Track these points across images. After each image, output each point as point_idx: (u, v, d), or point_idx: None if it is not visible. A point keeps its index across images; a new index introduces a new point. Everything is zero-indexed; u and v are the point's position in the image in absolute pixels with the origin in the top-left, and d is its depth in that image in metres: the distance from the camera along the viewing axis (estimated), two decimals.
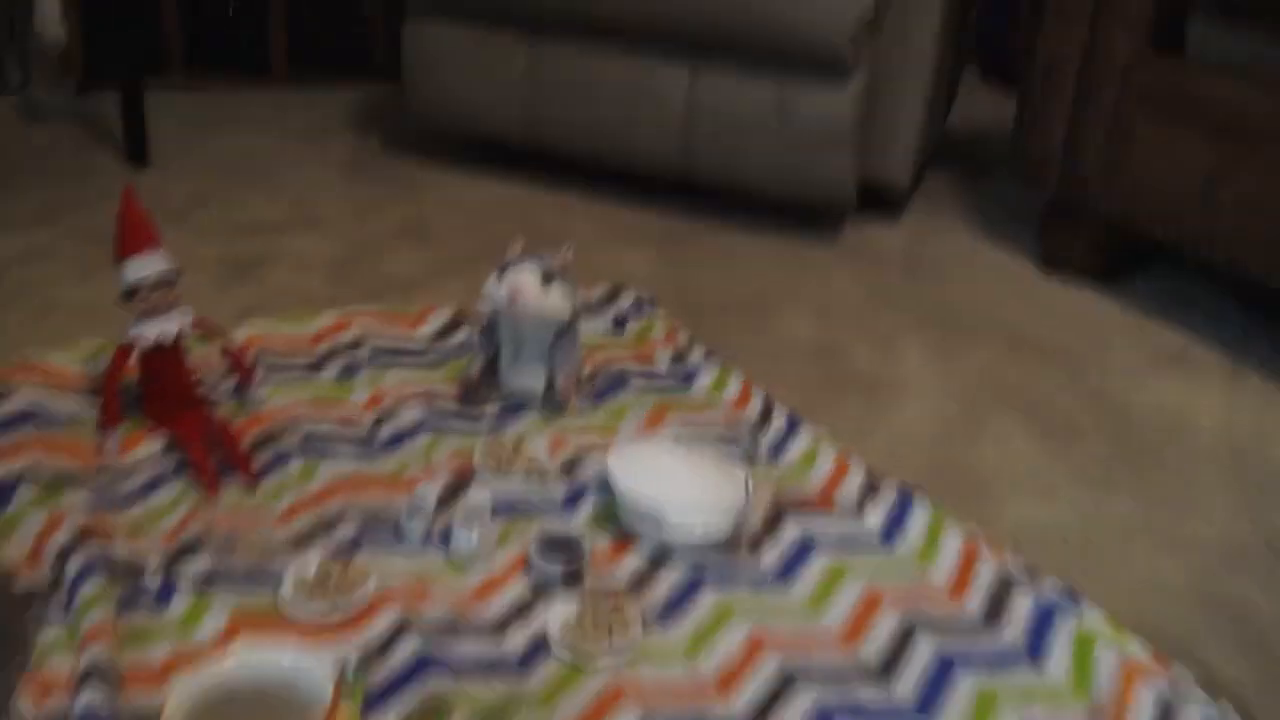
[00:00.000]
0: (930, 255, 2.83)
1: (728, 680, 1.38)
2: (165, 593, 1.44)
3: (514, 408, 1.97)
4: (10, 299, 2.27)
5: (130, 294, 1.72)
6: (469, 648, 1.40)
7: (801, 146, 2.72)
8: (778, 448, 1.90)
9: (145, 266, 1.72)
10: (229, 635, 1.38)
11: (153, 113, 3.06)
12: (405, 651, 1.38)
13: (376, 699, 1.31)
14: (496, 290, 1.87)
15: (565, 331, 1.93)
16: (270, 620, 1.41)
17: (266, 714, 1.06)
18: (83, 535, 1.50)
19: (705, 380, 2.10)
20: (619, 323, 2.32)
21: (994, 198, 3.25)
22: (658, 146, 2.87)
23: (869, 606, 1.53)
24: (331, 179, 3.07)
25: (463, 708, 1.30)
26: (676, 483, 1.63)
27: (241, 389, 1.90)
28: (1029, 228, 3.00)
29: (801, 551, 1.63)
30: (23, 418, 1.77)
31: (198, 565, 1.50)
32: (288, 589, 1.47)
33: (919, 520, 1.69)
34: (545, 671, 1.38)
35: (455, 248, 2.68)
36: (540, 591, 1.51)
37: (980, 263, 2.81)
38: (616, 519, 1.67)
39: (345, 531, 1.60)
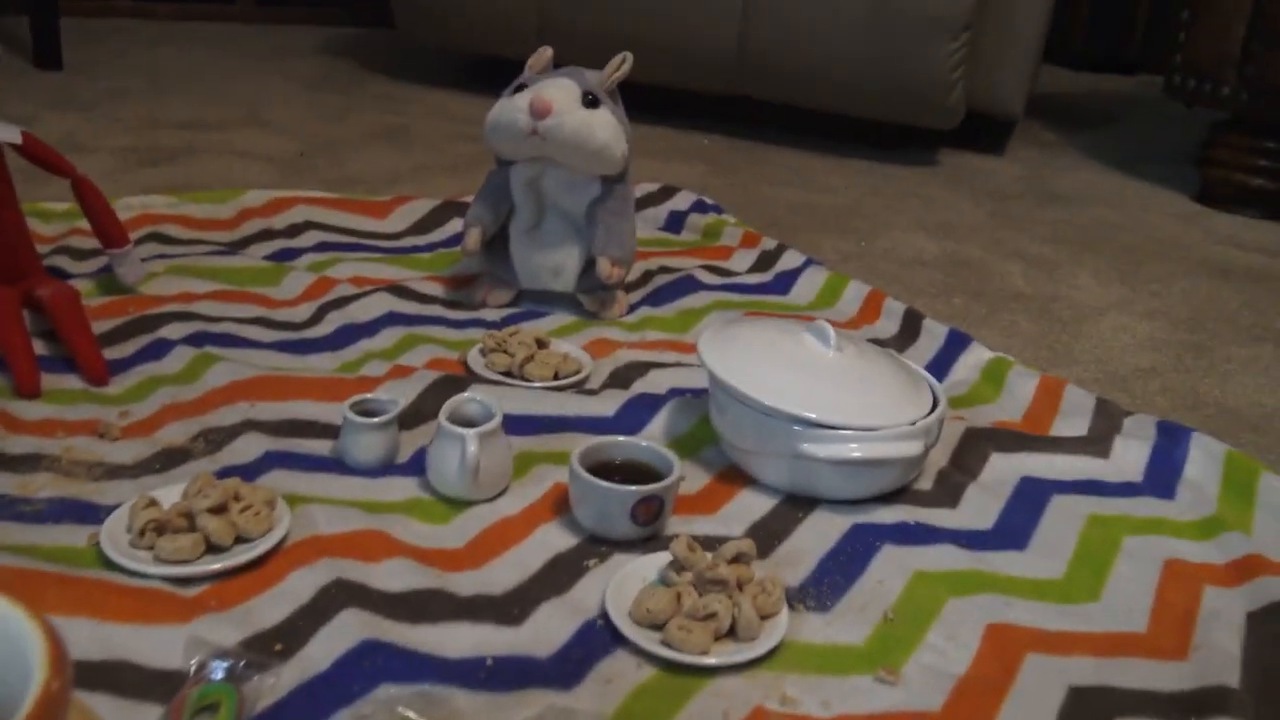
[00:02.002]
0: (1061, 185, 2.20)
1: (964, 709, 0.70)
2: None
3: (532, 309, 1.30)
4: None
5: None
6: (461, 637, 0.72)
7: (897, 41, 2.09)
8: (940, 366, 1.24)
9: None
10: None
11: (89, 33, 2.44)
12: (339, 639, 0.69)
13: (289, 712, 0.63)
14: (510, 109, 1.20)
15: (612, 187, 1.26)
16: (74, 584, 0.72)
17: None
18: None
19: (809, 286, 1.44)
20: (673, 224, 1.66)
21: (1106, 143, 2.63)
22: (707, 51, 2.23)
23: (1179, 583, 0.85)
24: (292, 90, 2.42)
25: None
26: (815, 381, 0.95)
27: (111, 261, 1.22)
28: (1170, 165, 2.38)
29: (1028, 495, 0.96)
30: None
31: None
32: (116, 529, 0.78)
33: (1202, 464, 1.02)
34: (609, 680, 0.69)
35: (443, 153, 2.02)
36: (594, 543, 0.83)
37: (1128, 193, 2.18)
38: (711, 445, 1.00)
39: (248, 448, 0.92)
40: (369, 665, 0.68)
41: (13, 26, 2.67)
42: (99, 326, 1.12)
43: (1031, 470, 1.00)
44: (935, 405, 0.96)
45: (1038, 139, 2.61)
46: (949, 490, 0.96)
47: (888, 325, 1.34)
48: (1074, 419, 1.11)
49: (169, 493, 0.82)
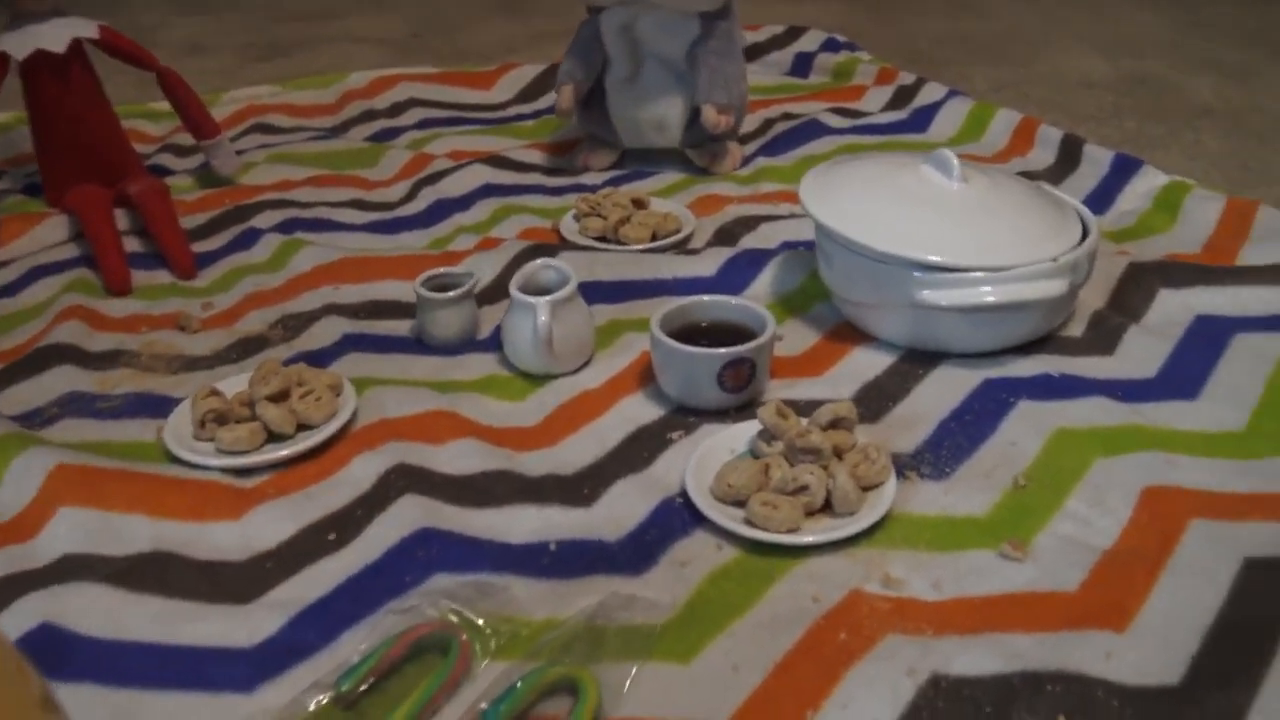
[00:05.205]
0: None
1: (1112, 595, 0.58)
2: None
3: (637, 169, 1.20)
4: None
5: None
6: (525, 520, 0.66)
7: None
8: (1104, 195, 1.07)
9: None
10: (42, 505, 0.67)
11: None
12: (391, 531, 0.64)
13: (336, 604, 0.58)
14: None
15: (713, 26, 1.13)
16: (133, 479, 0.69)
17: None
18: None
19: (951, 120, 1.27)
20: (800, 68, 1.51)
21: None
22: None
23: None
24: None
25: (501, 638, 0.56)
26: (938, 219, 0.82)
27: (204, 152, 1.19)
28: None
29: (1203, 335, 0.81)
30: None
31: (43, 391, 0.81)
32: (180, 421, 0.75)
33: None
34: (684, 564, 0.61)
35: (563, 18, 1.91)
36: (681, 414, 0.75)
37: None
38: (823, 302, 0.89)
39: (326, 332, 0.87)
40: (423, 554, 0.62)
41: None
42: (195, 220, 1.10)
43: (1209, 306, 0.85)
44: (1085, 237, 0.81)
45: None
46: (1104, 335, 0.82)
47: (1042, 155, 1.17)
48: (1268, 245, 0.93)
49: (239, 381, 0.79)
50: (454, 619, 0.57)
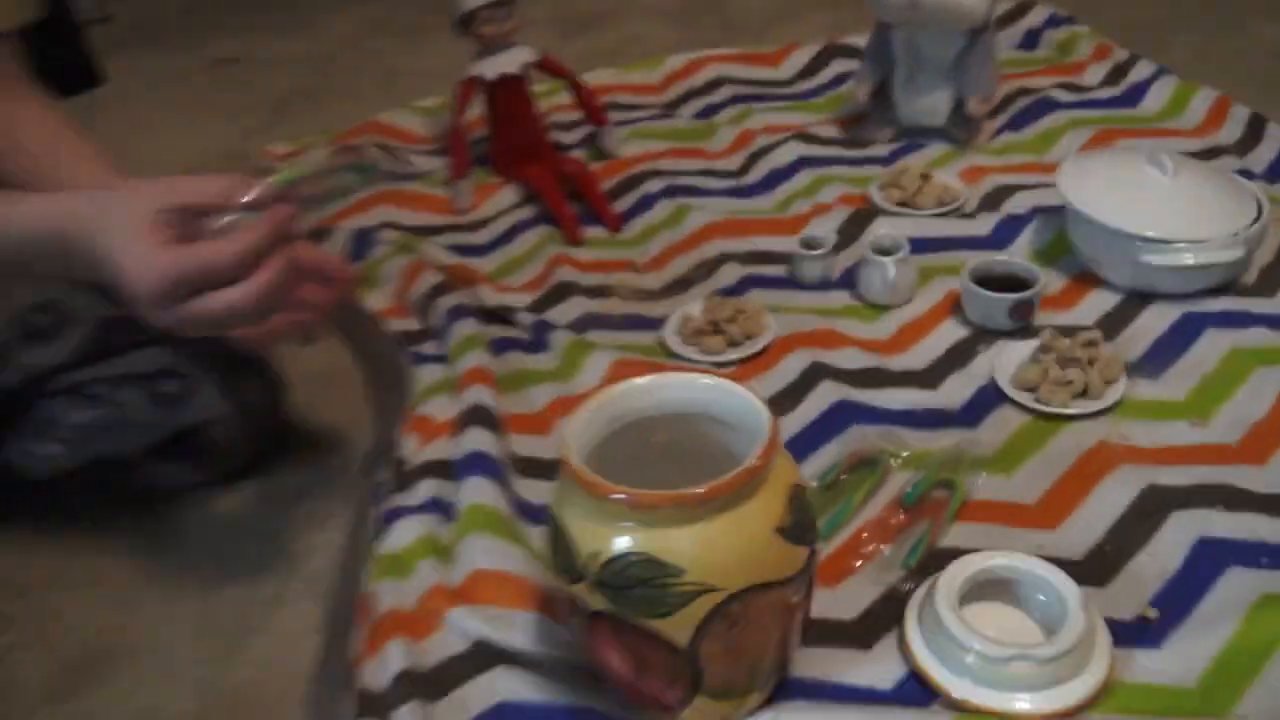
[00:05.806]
0: None
1: (1258, 446, 1.01)
2: (540, 337, 1.25)
3: (912, 142, 1.61)
4: (352, 71, 2.18)
5: (465, 22, 1.50)
6: (901, 397, 1.12)
7: None
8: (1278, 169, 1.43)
9: None
10: (612, 380, 1.17)
11: None
12: (822, 399, 1.12)
13: (799, 439, 1.06)
14: None
15: (977, 38, 1.52)
16: (655, 367, 1.19)
17: (686, 449, 0.82)
18: (447, 281, 1.35)
19: (1160, 96, 1.63)
20: (1029, 41, 1.87)
21: None
22: None
23: None
24: None
25: (904, 459, 1.02)
26: (1154, 203, 1.22)
27: (595, 135, 1.67)
28: None
29: None
30: None
31: (571, 310, 1.30)
32: (672, 331, 1.24)
33: None
34: (1000, 423, 1.07)
35: None
36: (982, 333, 1.19)
37: None
38: (1068, 254, 1.30)
39: (730, 274, 1.34)
40: (844, 413, 1.09)
41: None
42: (601, 188, 1.57)
43: None
44: (1260, 213, 1.20)
45: None
46: (1269, 284, 1.21)
47: (1231, 131, 1.52)
48: None
49: (693, 308, 1.26)
50: (874, 447, 1.04)
